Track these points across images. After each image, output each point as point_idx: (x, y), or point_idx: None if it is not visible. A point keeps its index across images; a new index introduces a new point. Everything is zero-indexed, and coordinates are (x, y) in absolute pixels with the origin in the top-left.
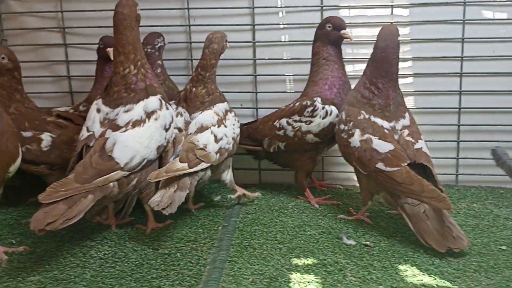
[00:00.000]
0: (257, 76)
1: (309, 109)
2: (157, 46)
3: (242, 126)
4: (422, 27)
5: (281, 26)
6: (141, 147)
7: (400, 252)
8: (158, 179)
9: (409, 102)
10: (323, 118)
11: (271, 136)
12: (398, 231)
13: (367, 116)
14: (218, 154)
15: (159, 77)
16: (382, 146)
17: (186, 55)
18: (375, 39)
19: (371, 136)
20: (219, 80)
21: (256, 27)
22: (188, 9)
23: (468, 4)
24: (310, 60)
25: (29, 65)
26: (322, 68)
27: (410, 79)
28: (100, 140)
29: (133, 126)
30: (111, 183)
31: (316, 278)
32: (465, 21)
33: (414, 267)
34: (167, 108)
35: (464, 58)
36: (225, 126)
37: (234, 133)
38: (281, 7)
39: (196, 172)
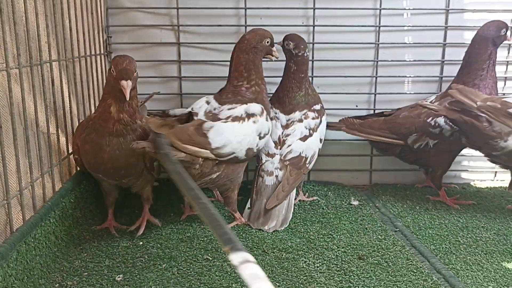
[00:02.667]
0: (378, 78)
1: None
2: None
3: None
4: None
5: (406, 28)
6: (234, 140)
7: None
8: None
9: None
10: None
11: (421, 132)
12: None
13: None
14: None
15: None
16: None
17: None
18: None
19: None
20: (336, 81)
21: (381, 28)
22: (314, 9)
23: None
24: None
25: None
26: (486, 75)
27: None
28: (199, 121)
29: (233, 120)
30: (199, 159)
31: None
32: None
33: None
34: (266, 120)
35: None
36: None
37: None
38: (407, 9)
39: None
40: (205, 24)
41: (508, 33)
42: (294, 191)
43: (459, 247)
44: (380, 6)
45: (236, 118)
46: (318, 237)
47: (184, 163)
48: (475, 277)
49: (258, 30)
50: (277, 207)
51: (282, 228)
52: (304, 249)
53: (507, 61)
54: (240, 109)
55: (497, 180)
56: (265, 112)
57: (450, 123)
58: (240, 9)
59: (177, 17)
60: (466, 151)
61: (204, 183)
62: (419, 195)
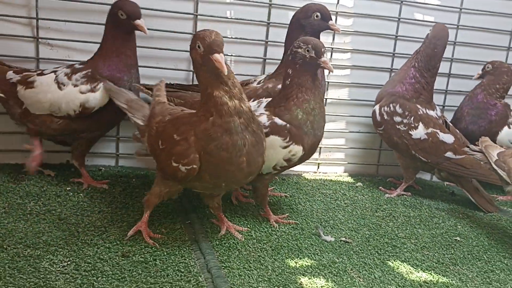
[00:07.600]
0: None
1: None
2: None
3: None
4: (364, 20)
5: (228, 0)
6: None
7: (379, 248)
8: None
9: (344, 93)
10: None
11: None
12: (359, 223)
13: (424, 111)
14: None
15: None
16: (447, 138)
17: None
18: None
19: (434, 130)
20: (153, 54)
21: None
22: None
23: (404, 3)
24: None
25: None
26: None
27: (347, 71)
28: None
29: None
30: None
31: (327, 283)
32: (400, 19)
33: (405, 263)
34: None
35: (395, 54)
36: None
37: None
38: None
39: None
40: None
41: (331, 22)
42: None
43: (248, 243)
44: None
45: None
46: (90, 230)
47: None
48: (248, 276)
49: None
50: None
51: None
52: (59, 244)
53: (332, 48)
54: None
55: (319, 172)
56: None
57: None
58: None
59: None
60: None
61: None
62: None
